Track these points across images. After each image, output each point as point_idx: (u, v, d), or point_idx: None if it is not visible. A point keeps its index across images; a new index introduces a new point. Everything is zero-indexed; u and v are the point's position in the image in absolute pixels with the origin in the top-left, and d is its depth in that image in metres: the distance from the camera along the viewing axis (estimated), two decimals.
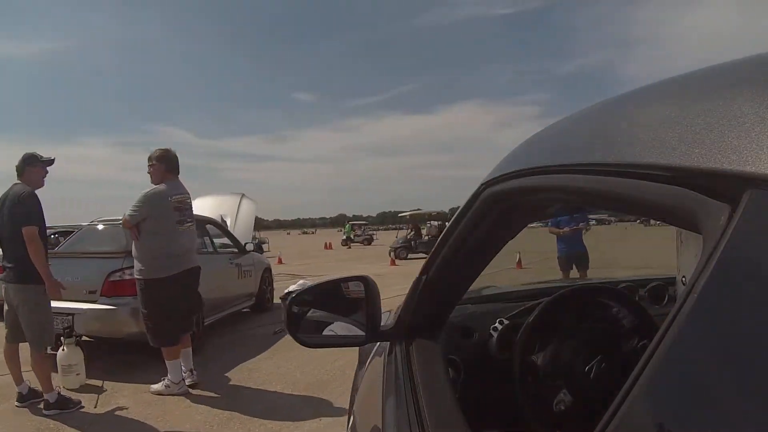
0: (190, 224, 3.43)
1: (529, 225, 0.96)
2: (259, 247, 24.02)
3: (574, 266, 5.33)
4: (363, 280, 0.96)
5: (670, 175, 0.36)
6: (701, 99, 0.39)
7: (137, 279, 3.29)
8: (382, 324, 0.98)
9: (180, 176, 3.46)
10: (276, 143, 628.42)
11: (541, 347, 1.02)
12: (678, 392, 0.30)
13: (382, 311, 0.99)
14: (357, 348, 1.52)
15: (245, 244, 6.03)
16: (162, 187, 3.31)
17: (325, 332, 1.01)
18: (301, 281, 5.43)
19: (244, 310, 5.96)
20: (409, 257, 15.55)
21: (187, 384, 3.38)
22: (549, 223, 5.23)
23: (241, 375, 3.78)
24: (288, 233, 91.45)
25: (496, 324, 1.16)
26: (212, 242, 5.43)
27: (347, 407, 2.91)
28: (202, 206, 6.74)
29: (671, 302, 1.38)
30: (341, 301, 1.02)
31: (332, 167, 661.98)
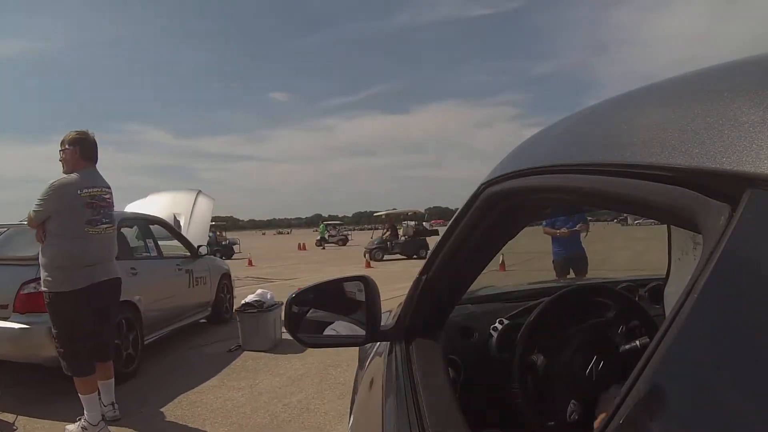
0: (107, 226, 2.77)
1: (529, 225, 0.96)
2: (230, 249, 23.14)
3: (571, 271, 4.77)
4: (363, 280, 0.96)
5: (670, 175, 0.36)
6: (701, 99, 0.39)
7: (43, 291, 2.67)
8: (382, 324, 0.98)
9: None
10: (252, 143, 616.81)
11: (541, 347, 1.03)
12: (678, 392, 0.30)
13: (382, 311, 0.99)
14: (354, 353, 1.50)
15: (198, 247, 5.33)
16: (73, 177, 2.67)
17: (326, 332, 1.01)
18: (260, 290, 4.68)
19: (201, 320, 5.36)
20: (384, 259, 15.04)
21: (108, 418, 2.80)
22: (544, 224, 4.66)
23: (180, 410, 3.10)
24: (263, 233, 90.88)
25: (496, 324, 1.16)
26: (157, 245, 4.68)
27: None
28: (154, 204, 6.26)
29: None
30: (341, 301, 1.02)
31: (308, 167, 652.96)
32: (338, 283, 1.03)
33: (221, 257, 19.95)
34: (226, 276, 5.96)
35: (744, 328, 0.28)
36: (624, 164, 0.42)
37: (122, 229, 3.94)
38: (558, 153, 0.58)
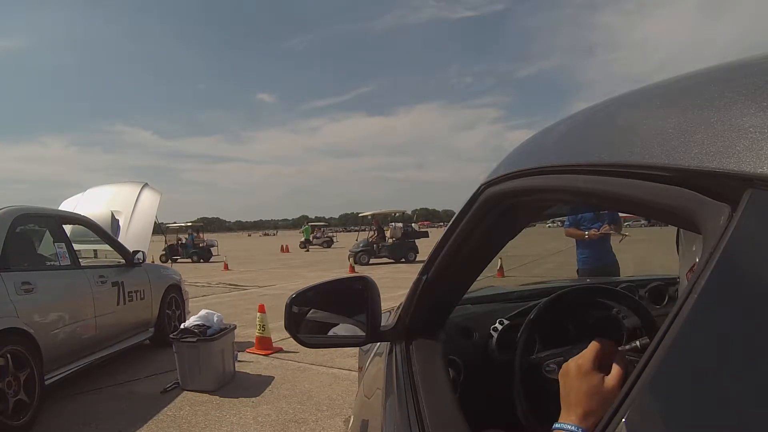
0: None
1: (529, 225, 0.94)
2: (207, 251, 22.47)
3: None
4: (363, 280, 0.97)
5: (670, 175, 0.36)
6: (701, 100, 0.39)
7: None
8: (382, 324, 0.98)
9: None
10: (237, 144, 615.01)
11: (541, 347, 1.02)
12: (678, 392, 0.30)
13: (382, 311, 0.99)
14: (356, 351, 1.48)
15: (134, 252, 4.29)
16: None
17: (326, 333, 1.01)
18: (204, 311, 3.74)
19: (146, 342, 4.46)
20: (370, 263, 14.10)
21: None
22: (566, 223, 3.84)
23: None
24: (249, 235, 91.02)
25: (496, 324, 1.17)
26: (71, 252, 3.67)
27: None
28: (92, 200, 5.47)
29: (671, 302, 1.39)
30: (341, 301, 1.02)
31: (293, 168, 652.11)
32: (338, 283, 1.03)
33: (199, 260, 19.29)
34: (175, 287, 4.87)
35: (744, 328, 0.28)
36: (624, 164, 0.42)
37: (18, 230, 3.25)
38: (558, 153, 0.58)
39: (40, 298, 3.09)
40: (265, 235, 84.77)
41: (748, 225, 0.30)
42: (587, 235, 3.68)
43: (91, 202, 5.38)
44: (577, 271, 3.89)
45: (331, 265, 14.85)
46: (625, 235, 3.85)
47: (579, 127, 0.58)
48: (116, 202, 5.40)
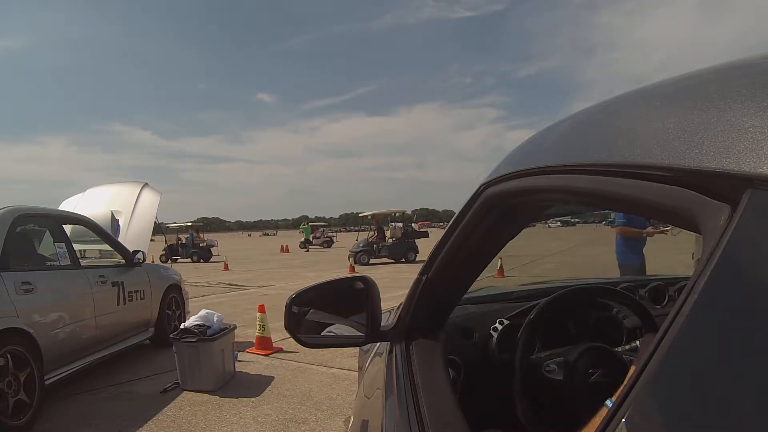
0: None
1: (529, 225, 0.94)
2: (208, 251, 22.50)
3: None
4: (363, 280, 0.97)
5: (670, 175, 0.36)
6: (701, 100, 0.39)
7: None
8: (382, 324, 0.98)
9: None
10: (237, 144, 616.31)
11: (541, 347, 1.03)
12: (678, 391, 0.30)
13: (382, 311, 0.99)
14: (356, 351, 1.48)
15: (134, 252, 4.30)
16: None
17: (325, 332, 1.01)
18: (203, 311, 3.75)
19: (146, 342, 4.47)
20: (370, 263, 14.15)
21: None
22: (619, 221, 3.94)
23: None
24: (249, 235, 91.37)
25: (496, 324, 1.17)
26: (71, 252, 3.66)
27: None
28: (92, 200, 5.50)
29: (671, 302, 1.40)
30: (341, 301, 1.02)
31: (293, 169, 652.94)
32: (338, 283, 1.03)
33: (199, 260, 19.32)
34: (175, 287, 4.88)
35: (744, 328, 0.28)
36: (624, 164, 0.42)
37: (18, 230, 3.26)
38: (558, 153, 0.58)
39: (40, 298, 3.10)
40: (265, 235, 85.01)
41: (748, 225, 0.30)
42: (645, 232, 3.83)
43: (91, 202, 5.41)
44: (620, 266, 4.02)
45: (331, 265, 14.83)
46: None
47: (579, 127, 0.58)
48: (116, 202, 5.40)
